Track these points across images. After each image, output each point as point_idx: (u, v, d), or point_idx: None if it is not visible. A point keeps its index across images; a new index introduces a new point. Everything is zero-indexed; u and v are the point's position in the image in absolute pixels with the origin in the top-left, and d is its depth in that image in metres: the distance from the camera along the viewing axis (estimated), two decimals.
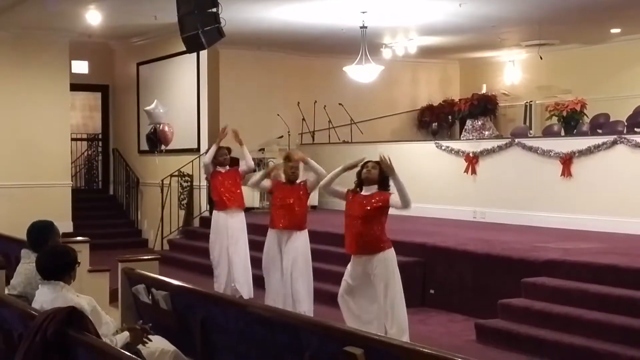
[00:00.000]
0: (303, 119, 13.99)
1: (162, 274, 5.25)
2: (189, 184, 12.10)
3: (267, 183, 7.20)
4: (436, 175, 11.34)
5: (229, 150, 8.71)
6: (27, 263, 4.78)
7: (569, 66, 13.93)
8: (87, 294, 4.31)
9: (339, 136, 14.05)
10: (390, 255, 5.86)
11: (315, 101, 13.92)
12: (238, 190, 8.37)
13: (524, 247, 7.71)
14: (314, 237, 7.48)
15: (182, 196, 12.17)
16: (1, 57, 12.18)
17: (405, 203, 5.73)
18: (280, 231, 7.00)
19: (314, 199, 12.83)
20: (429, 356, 3.03)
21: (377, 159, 5.91)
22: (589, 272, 6.59)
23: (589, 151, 9.27)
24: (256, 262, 7.80)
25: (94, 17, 10.65)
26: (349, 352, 3.16)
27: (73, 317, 3.38)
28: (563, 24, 11.93)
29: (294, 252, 6.91)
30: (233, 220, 8.26)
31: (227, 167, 8.50)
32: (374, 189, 5.86)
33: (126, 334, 4.06)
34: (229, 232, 8.21)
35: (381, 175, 5.86)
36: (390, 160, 5.84)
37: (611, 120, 11.07)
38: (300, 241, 6.96)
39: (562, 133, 11.08)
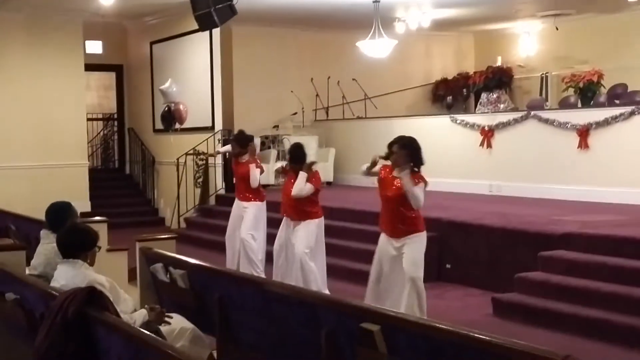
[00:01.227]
0: (317, 95, 13.94)
1: (179, 253, 5.29)
2: (204, 162, 12.13)
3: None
4: (451, 149, 11.29)
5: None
6: (47, 243, 4.85)
7: (585, 36, 13.74)
8: (106, 273, 4.36)
9: (353, 112, 14.00)
10: (420, 238, 5.76)
11: (329, 77, 13.86)
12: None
13: (541, 221, 7.68)
14: (329, 213, 7.49)
15: (197, 174, 12.22)
16: (15, 39, 12.23)
17: (414, 203, 5.64)
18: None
19: (329, 175, 12.85)
20: (445, 331, 3.03)
21: (395, 140, 5.76)
22: (606, 245, 6.56)
23: (606, 122, 9.17)
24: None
25: None
26: (366, 328, 3.18)
27: (93, 296, 3.43)
28: None
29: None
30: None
31: (244, 158, 8.31)
32: (405, 169, 5.65)
33: (144, 311, 4.12)
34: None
35: (409, 157, 5.66)
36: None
37: (629, 90, 10.93)
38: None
39: (579, 105, 10.97)
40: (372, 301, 5.72)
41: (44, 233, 4.97)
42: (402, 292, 5.71)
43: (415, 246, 5.74)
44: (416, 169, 5.75)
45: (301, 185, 6.85)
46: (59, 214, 4.91)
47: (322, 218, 7.08)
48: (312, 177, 6.96)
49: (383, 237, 5.92)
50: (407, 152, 5.66)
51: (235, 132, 8.62)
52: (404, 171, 5.64)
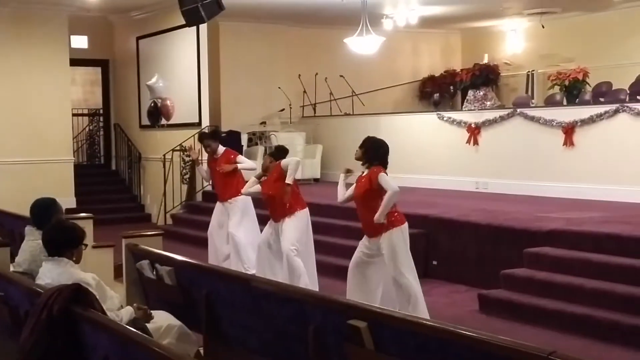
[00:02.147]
0: (304, 92, 13.93)
1: (166, 249, 5.28)
2: (190, 158, 12.09)
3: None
4: (438, 146, 11.33)
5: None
6: (31, 240, 4.82)
7: (571, 34, 13.82)
8: (92, 269, 4.35)
9: (341, 108, 14.00)
10: (394, 235, 5.73)
11: (317, 73, 13.85)
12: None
13: (527, 217, 7.73)
14: (317, 210, 7.49)
15: (184, 171, 12.18)
16: (0, 33, 12.08)
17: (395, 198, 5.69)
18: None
19: (316, 171, 12.86)
20: (431, 328, 3.05)
21: (364, 140, 5.94)
22: (590, 242, 6.60)
23: (591, 120, 9.24)
24: None
25: None
26: (353, 325, 3.19)
27: (79, 294, 3.41)
28: None
29: None
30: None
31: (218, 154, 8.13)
32: (366, 168, 5.82)
33: (130, 309, 4.10)
34: None
35: (365, 154, 5.82)
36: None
37: (613, 88, 11.01)
38: None
39: (564, 102, 11.04)
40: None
41: (28, 230, 4.94)
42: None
43: (394, 242, 5.72)
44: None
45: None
46: (44, 210, 4.88)
47: (306, 210, 7.02)
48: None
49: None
50: (365, 149, 5.84)
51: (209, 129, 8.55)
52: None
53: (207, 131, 8.98)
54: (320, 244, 7.37)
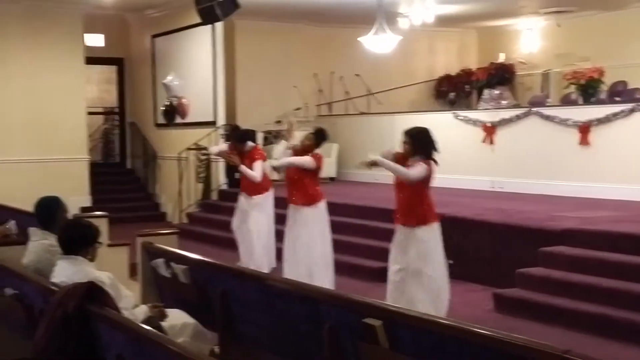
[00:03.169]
0: (320, 91, 13.93)
1: (181, 248, 5.29)
2: (206, 157, 12.13)
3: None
4: (454, 145, 11.24)
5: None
6: (35, 241, 4.78)
7: (588, 33, 13.72)
8: (107, 268, 4.36)
9: (357, 107, 13.99)
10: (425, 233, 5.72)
11: (332, 72, 13.84)
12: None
13: (542, 217, 7.69)
14: (333, 209, 7.49)
15: (199, 169, 12.21)
16: (14, 31, 12.10)
17: (403, 178, 5.65)
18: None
19: (332, 170, 12.85)
20: (447, 327, 3.05)
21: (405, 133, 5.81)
22: (606, 241, 6.56)
23: (607, 119, 9.17)
24: None
25: None
26: (368, 323, 3.19)
27: (93, 291, 3.42)
28: None
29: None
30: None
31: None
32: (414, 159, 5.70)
33: (145, 307, 4.12)
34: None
35: (412, 148, 5.74)
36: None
37: (629, 87, 10.92)
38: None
39: (580, 101, 10.96)
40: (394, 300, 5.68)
41: (32, 230, 4.87)
42: (414, 287, 5.69)
43: (424, 237, 5.70)
44: (425, 157, 5.74)
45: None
46: (47, 209, 4.86)
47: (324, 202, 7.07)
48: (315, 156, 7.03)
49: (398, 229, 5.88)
50: (411, 141, 5.73)
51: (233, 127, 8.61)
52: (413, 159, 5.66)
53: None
54: (335, 243, 7.36)
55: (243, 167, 7.94)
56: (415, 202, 5.74)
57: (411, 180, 5.64)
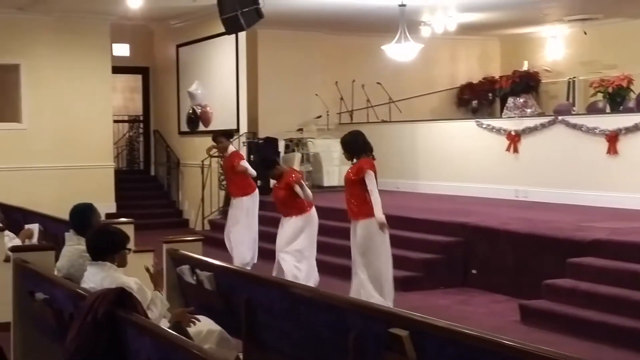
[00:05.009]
0: (341, 99, 13.93)
1: (204, 254, 5.30)
2: None
3: None
4: (477, 154, 11.22)
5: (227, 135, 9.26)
6: (70, 245, 4.85)
7: (614, 41, 13.58)
8: (132, 273, 4.37)
9: (378, 115, 13.97)
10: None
11: (354, 80, 13.84)
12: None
13: (569, 227, 7.60)
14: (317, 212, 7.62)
15: (222, 177, 12.24)
16: (45, 42, 12.37)
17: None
18: None
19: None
20: (474, 338, 3.00)
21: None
22: (635, 252, 6.47)
23: (635, 128, 9.07)
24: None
25: (134, 1, 10.71)
26: (395, 333, 3.16)
27: (122, 297, 3.44)
28: None
29: None
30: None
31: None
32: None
33: (159, 294, 4.13)
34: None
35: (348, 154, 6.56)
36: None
37: None
38: None
39: (608, 110, 10.84)
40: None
41: (68, 235, 4.96)
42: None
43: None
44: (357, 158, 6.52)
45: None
46: (82, 215, 4.92)
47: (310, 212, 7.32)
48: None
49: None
50: (344, 148, 6.63)
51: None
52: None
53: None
54: (320, 245, 7.54)
55: (243, 163, 8.62)
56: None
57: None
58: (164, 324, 4.02)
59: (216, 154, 9.37)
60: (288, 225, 7.40)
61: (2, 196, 8.25)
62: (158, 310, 4.07)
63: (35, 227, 6.75)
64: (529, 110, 12.80)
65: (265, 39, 13.56)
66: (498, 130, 10.88)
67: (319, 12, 12.32)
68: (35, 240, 6.58)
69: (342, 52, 14.25)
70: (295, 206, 7.34)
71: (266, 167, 7.84)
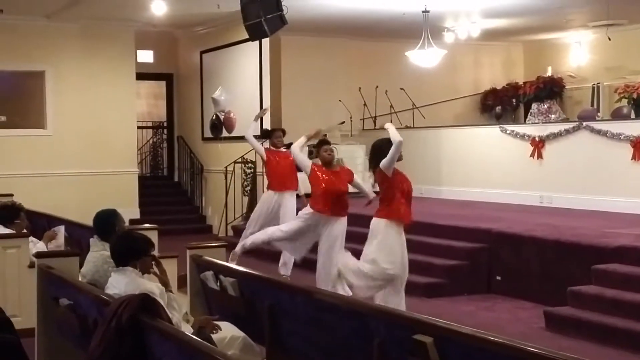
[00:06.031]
0: (365, 104, 13.93)
1: (227, 260, 5.32)
2: (252, 170, 12.21)
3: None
4: (501, 159, 11.15)
5: (283, 132, 8.99)
6: (95, 251, 4.88)
7: (639, 46, 13.45)
8: (156, 279, 4.40)
9: (401, 121, 13.92)
10: None
11: (377, 86, 13.83)
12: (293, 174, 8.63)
13: (594, 233, 7.53)
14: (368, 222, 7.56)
15: (245, 183, 12.29)
16: (70, 49, 12.52)
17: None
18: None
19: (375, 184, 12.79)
20: (498, 344, 2.98)
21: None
22: None
23: None
24: None
25: (159, 8, 10.82)
26: (419, 340, 3.14)
27: (146, 303, 3.46)
28: (632, 4, 11.52)
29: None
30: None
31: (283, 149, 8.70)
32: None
33: (193, 319, 4.14)
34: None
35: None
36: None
37: None
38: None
39: (632, 115, 10.74)
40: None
41: (92, 241, 4.99)
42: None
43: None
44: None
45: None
46: (106, 221, 4.96)
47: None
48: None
49: None
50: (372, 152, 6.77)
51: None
52: None
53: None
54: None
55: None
56: None
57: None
58: (187, 329, 4.05)
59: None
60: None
61: (27, 202, 8.34)
62: (177, 312, 4.09)
63: (61, 229, 6.81)
64: (553, 116, 12.72)
65: (289, 45, 13.60)
66: (522, 136, 10.82)
67: (342, 18, 12.34)
68: (61, 242, 6.63)
69: (366, 58, 14.25)
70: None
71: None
